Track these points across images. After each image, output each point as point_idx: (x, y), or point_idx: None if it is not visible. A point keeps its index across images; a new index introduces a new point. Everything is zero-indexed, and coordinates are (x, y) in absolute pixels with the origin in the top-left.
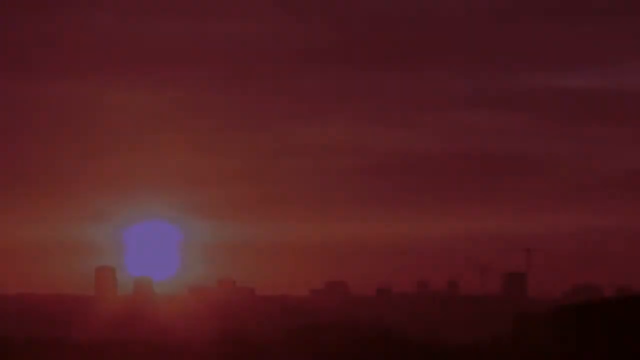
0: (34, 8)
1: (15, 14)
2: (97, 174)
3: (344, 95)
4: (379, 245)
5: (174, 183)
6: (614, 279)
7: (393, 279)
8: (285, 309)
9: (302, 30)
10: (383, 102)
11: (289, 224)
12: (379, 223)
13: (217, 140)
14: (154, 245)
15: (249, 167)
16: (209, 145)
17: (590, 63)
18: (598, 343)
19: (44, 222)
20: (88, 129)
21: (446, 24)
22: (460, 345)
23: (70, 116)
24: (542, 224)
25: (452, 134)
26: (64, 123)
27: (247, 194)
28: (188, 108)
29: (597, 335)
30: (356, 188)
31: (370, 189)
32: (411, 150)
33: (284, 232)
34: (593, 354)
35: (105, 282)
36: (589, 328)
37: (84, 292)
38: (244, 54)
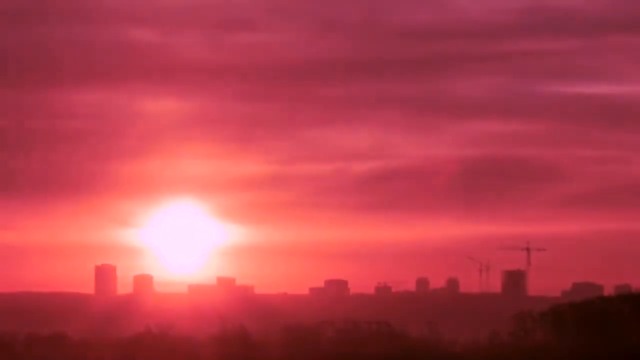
0: (67, 21)
1: (49, 26)
2: (120, 178)
3: (368, 103)
4: (388, 245)
5: (194, 187)
6: (613, 279)
7: (393, 278)
8: (285, 307)
9: (327, 40)
10: (405, 109)
11: (298, 227)
12: (393, 225)
13: (242, 146)
14: (175, 246)
15: (270, 172)
16: (232, 151)
17: (604, 72)
18: (597, 341)
19: (71, 224)
20: (115, 135)
21: (467, 36)
22: (460, 343)
23: (102, 123)
24: (551, 226)
25: (470, 140)
26: (95, 129)
27: (267, 197)
28: (213, 115)
29: (596, 333)
30: (376, 192)
31: (387, 193)
32: (430, 155)
33: (291, 234)
34: (592, 351)
35: (105, 280)
36: (588, 326)
37: (83, 291)
38: (269, 63)
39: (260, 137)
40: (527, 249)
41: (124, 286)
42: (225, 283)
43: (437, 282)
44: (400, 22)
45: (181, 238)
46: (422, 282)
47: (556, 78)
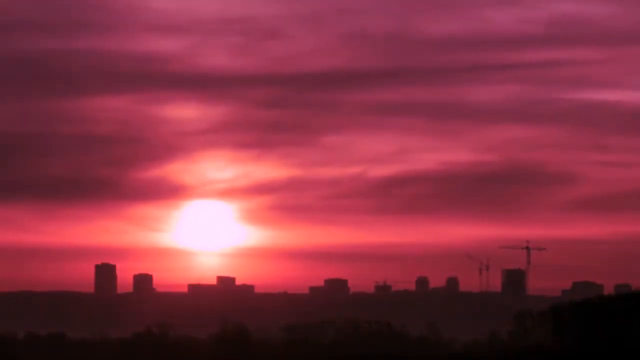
0: (95, 31)
1: (78, 36)
2: (143, 182)
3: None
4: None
5: (216, 191)
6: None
7: (393, 276)
8: (285, 306)
9: (350, 49)
10: (426, 115)
11: (313, 230)
12: (404, 228)
13: (263, 151)
14: (196, 247)
15: (290, 176)
16: (254, 156)
17: (621, 80)
18: (597, 340)
19: (90, 228)
20: (140, 140)
21: (491, 45)
22: (460, 342)
23: (127, 128)
24: (564, 229)
25: (488, 145)
26: (121, 134)
27: (287, 201)
28: (235, 122)
29: (596, 332)
30: (392, 196)
31: (404, 197)
32: (448, 160)
33: (306, 237)
34: (592, 351)
35: (104, 280)
36: (588, 325)
37: (83, 290)
38: (291, 71)
39: (281, 142)
40: (527, 248)
41: (123, 286)
42: (225, 283)
43: (438, 281)
44: (426, 32)
45: (202, 240)
46: (421, 282)
47: (574, 86)
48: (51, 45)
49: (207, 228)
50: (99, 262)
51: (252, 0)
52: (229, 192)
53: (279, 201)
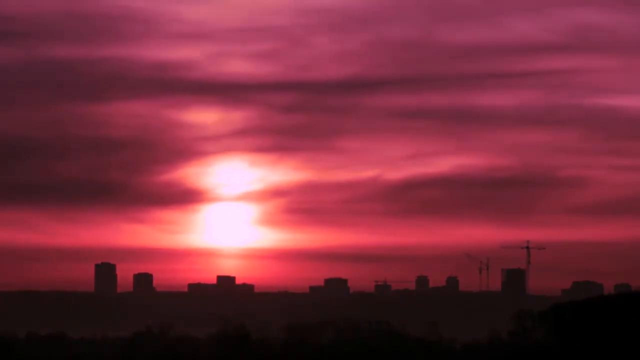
0: (114, 39)
1: (99, 46)
2: (159, 185)
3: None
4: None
5: (233, 194)
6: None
7: (393, 276)
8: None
9: (367, 55)
10: (438, 120)
11: (324, 232)
12: (416, 231)
13: (280, 155)
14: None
15: (307, 180)
16: (271, 160)
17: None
18: (597, 340)
19: (101, 229)
20: (157, 144)
21: (510, 52)
22: (460, 342)
23: (145, 133)
24: (574, 232)
25: (500, 149)
26: (140, 139)
27: (302, 204)
28: (253, 127)
29: (596, 332)
30: (406, 199)
31: (417, 200)
32: (462, 164)
33: (315, 239)
34: (592, 351)
35: (105, 280)
36: (588, 325)
37: (83, 289)
38: (308, 77)
39: (298, 147)
40: (527, 248)
41: (123, 286)
42: (225, 282)
43: (438, 281)
44: (444, 39)
45: (219, 242)
46: (421, 281)
47: (588, 92)
48: (74, 53)
49: (222, 230)
50: (98, 262)
51: (273, 9)
52: (245, 196)
53: (295, 204)
